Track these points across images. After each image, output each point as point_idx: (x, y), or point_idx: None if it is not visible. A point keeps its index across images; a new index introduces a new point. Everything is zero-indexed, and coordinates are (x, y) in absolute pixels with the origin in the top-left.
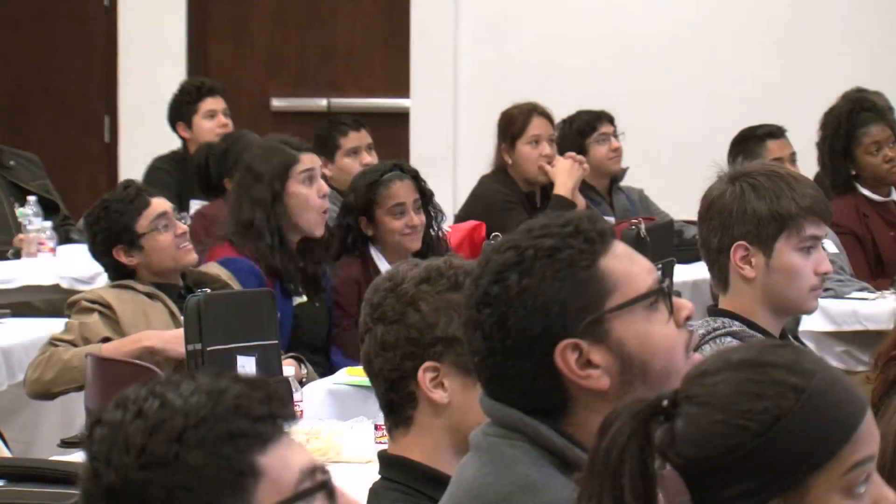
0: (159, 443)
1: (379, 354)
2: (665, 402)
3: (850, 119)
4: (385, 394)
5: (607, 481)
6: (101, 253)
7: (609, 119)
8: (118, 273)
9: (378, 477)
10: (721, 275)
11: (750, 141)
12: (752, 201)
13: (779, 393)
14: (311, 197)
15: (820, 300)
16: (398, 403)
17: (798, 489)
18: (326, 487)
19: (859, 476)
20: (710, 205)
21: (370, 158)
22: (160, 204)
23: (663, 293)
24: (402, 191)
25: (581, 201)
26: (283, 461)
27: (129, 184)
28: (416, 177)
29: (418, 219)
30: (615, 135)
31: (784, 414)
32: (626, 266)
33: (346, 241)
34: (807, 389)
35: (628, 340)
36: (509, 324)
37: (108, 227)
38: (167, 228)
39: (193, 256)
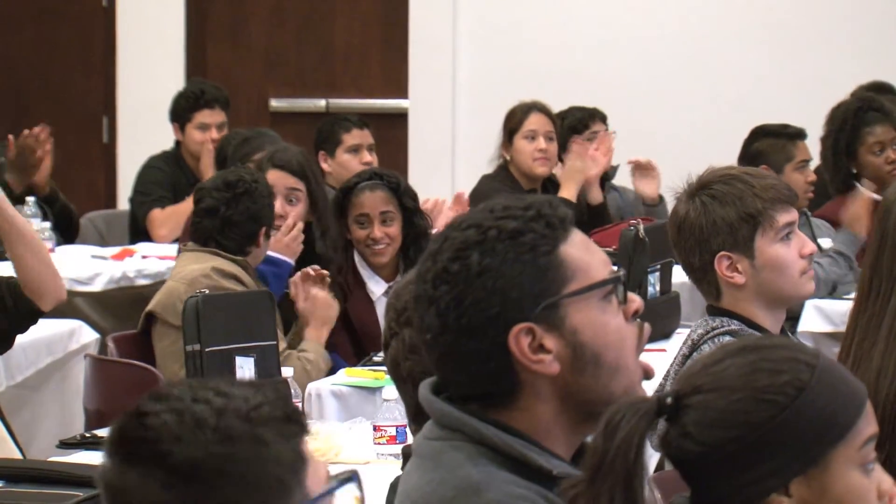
0: (231, 420)
1: (408, 358)
2: (669, 400)
3: (856, 117)
4: (413, 396)
5: (621, 481)
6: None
7: (601, 117)
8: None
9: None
10: (711, 288)
11: (781, 138)
12: (717, 211)
13: (794, 368)
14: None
15: (818, 301)
16: None
17: (820, 464)
18: (354, 479)
19: (870, 452)
20: (679, 227)
21: (370, 158)
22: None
23: (620, 282)
24: (368, 201)
25: (598, 195)
26: (314, 455)
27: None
28: (395, 188)
29: (384, 231)
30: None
31: (804, 386)
32: (585, 255)
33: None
34: (817, 364)
35: (583, 329)
36: (466, 303)
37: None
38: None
39: None
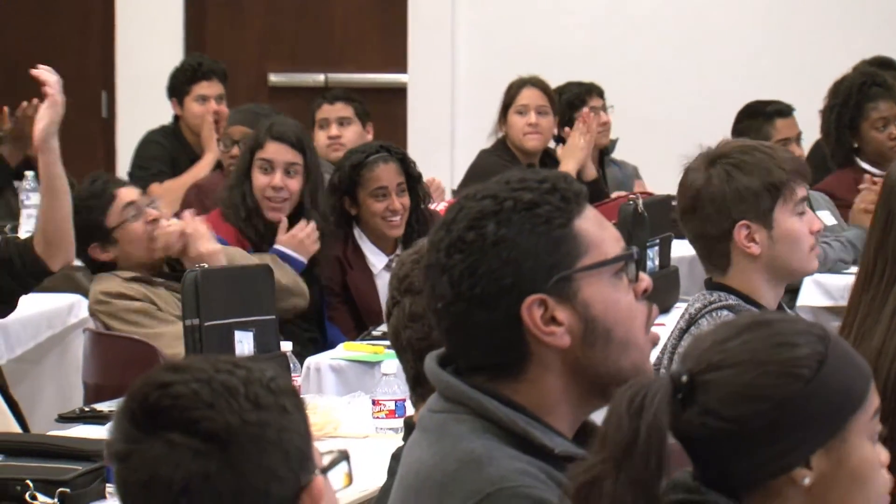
0: (258, 389)
1: (407, 326)
2: (684, 378)
3: (860, 92)
4: (413, 365)
5: (654, 460)
6: (77, 252)
7: (599, 92)
8: (98, 269)
9: None
10: (722, 259)
11: (758, 118)
12: (741, 179)
13: (809, 340)
14: (260, 185)
15: (818, 275)
16: (425, 374)
17: (839, 435)
18: (346, 457)
19: (877, 424)
20: (697, 195)
21: (337, 132)
22: (127, 193)
23: (632, 260)
24: (385, 174)
25: (592, 171)
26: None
27: (95, 178)
28: (403, 159)
29: (400, 202)
30: (604, 108)
31: (823, 358)
32: (598, 230)
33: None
34: (828, 337)
35: (594, 303)
36: (480, 272)
37: (79, 227)
38: (137, 217)
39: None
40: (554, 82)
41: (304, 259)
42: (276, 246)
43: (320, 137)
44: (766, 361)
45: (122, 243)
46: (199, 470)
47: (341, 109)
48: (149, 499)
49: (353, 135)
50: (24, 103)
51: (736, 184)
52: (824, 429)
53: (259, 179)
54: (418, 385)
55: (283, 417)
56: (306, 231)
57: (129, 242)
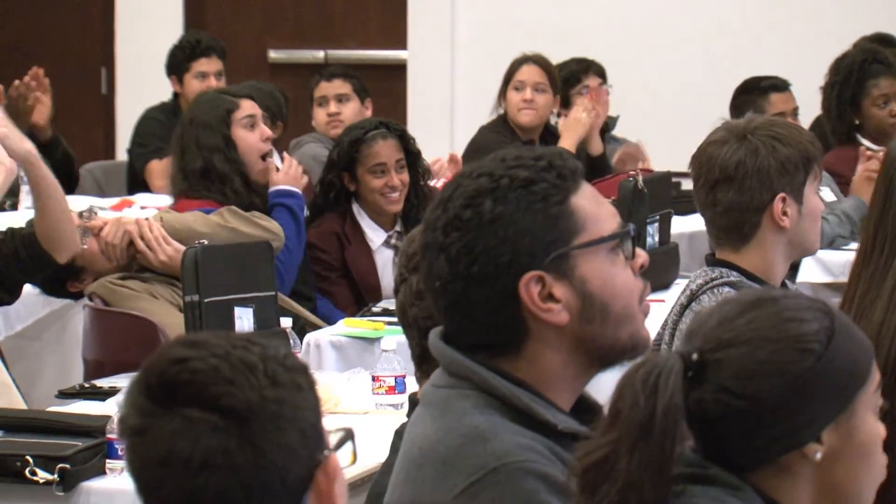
0: (275, 366)
1: (414, 304)
2: (695, 356)
3: (861, 69)
4: (419, 343)
5: (669, 442)
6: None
7: (598, 70)
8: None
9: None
10: (750, 231)
11: (753, 93)
12: (783, 151)
13: (816, 316)
14: (252, 141)
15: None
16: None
17: (848, 410)
18: (352, 436)
19: (879, 398)
20: (738, 166)
21: (336, 109)
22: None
23: (629, 237)
24: (384, 150)
25: (599, 146)
26: None
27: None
28: (402, 135)
29: (399, 179)
30: (602, 87)
31: (832, 332)
32: (595, 207)
33: (328, 197)
34: (832, 312)
35: (591, 279)
36: (477, 250)
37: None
38: (85, 237)
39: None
40: (556, 58)
41: (299, 190)
42: (279, 186)
43: (319, 115)
44: (778, 338)
45: (90, 266)
46: (219, 446)
47: (339, 86)
48: (166, 474)
49: (352, 111)
50: (16, 81)
51: (780, 155)
52: (835, 403)
53: (249, 137)
54: (424, 362)
55: (299, 395)
56: (293, 166)
57: (93, 263)
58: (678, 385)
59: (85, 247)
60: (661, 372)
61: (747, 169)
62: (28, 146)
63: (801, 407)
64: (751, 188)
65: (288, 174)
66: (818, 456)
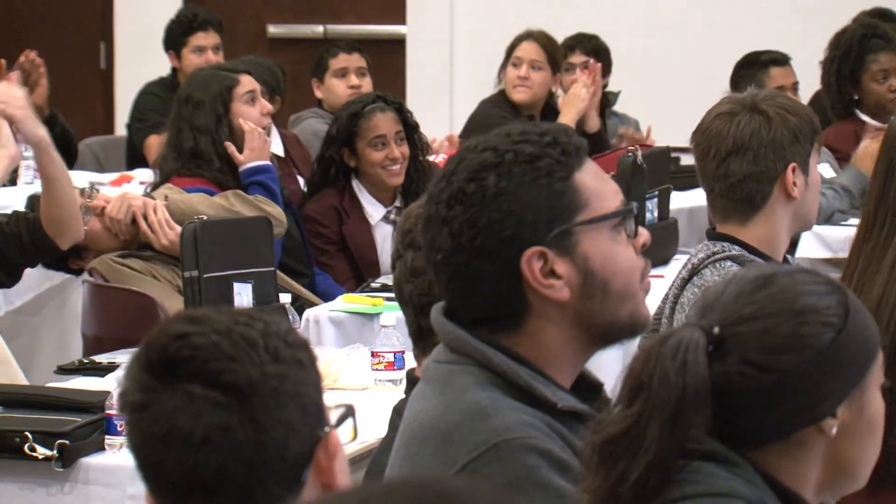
0: (276, 342)
1: (409, 281)
2: (716, 330)
3: (861, 44)
4: (414, 320)
5: (698, 418)
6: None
7: (587, 49)
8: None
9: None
10: (759, 203)
11: (753, 67)
12: (792, 121)
13: (830, 290)
14: (254, 116)
15: (817, 227)
16: (427, 329)
17: (860, 385)
18: (352, 413)
19: (881, 374)
20: (753, 135)
21: (358, 81)
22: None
23: (631, 215)
24: (383, 123)
25: (596, 122)
26: None
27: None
28: (400, 108)
29: (399, 151)
30: (587, 65)
31: (849, 307)
32: (598, 184)
33: (328, 173)
34: (841, 286)
35: (593, 256)
36: (481, 224)
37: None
38: (88, 217)
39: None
40: (555, 33)
41: (267, 161)
42: (248, 164)
43: (338, 86)
44: (801, 311)
45: (91, 246)
46: (220, 422)
47: (358, 60)
48: (167, 450)
49: (369, 87)
50: (21, 58)
51: (791, 125)
52: (851, 378)
53: (251, 112)
54: (420, 339)
55: (300, 371)
56: (256, 137)
57: (96, 242)
58: (704, 360)
59: (86, 227)
60: (689, 346)
61: (762, 138)
62: (42, 132)
63: (822, 381)
64: (765, 157)
65: (252, 149)
66: (834, 431)
